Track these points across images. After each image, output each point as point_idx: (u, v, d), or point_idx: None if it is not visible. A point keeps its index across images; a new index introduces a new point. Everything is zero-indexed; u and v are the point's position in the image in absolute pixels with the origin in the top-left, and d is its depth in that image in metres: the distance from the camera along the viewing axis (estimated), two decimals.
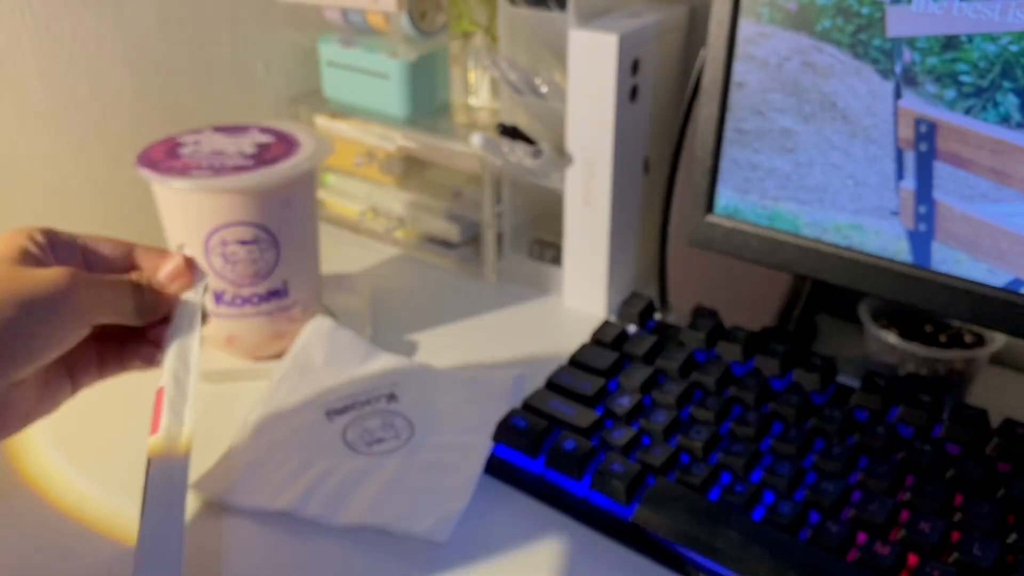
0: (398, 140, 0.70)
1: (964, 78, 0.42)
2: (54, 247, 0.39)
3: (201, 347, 0.42)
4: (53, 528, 0.46)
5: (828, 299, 0.63)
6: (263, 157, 0.54)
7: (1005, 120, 0.41)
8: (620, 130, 0.59)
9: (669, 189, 0.59)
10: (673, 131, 0.59)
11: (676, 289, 0.62)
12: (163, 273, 0.42)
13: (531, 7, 0.61)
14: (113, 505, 0.47)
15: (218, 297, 0.55)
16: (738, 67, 0.49)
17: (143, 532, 0.35)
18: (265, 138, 0.57)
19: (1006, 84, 0.41)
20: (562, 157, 0.62)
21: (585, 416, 0.50)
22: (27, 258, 0.37)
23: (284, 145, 0.56)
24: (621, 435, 0.48)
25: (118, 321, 0.40)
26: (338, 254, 0.73)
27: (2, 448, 0.51)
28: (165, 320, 0.42)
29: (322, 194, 0.78)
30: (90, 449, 0.51)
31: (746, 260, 0.52)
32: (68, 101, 0.61)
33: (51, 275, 0.37)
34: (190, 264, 0.43)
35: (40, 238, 0.39)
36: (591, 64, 0.57)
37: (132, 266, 0.42)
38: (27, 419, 0.39)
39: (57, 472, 0.49)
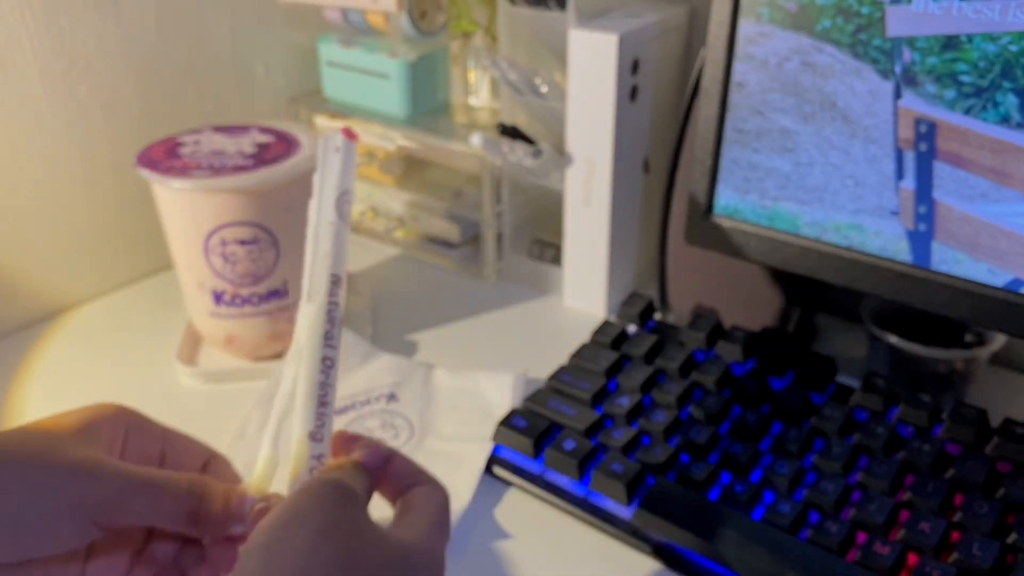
0: (398, 140, 0.70)
1: (964, 78, 0.42)
2: (130, 434, 0.34)
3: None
4: None
5: (828, 299, 0.63)
6: (263, 157, 0.54)
7: (1005, 120, 0.41)
8: (620, 130, 0.59)
9: (669, 189, 0.59)
10: (673, 131, 0.59)
11: (676, 289, 0.62)
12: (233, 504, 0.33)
13: (531, 7, 0.61)
14: None
15: (218, 297, 0.55)
16: (738, 67, 0.49)
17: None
18: (265, 138, 0.57)
19: (1006, 84, 0.41)
20: (562, 157, 0.61)
21: (585, 416, 0.50)
22: (89, 435, 0.32)
23: (284, 145, 0.56)
24: (621, 435, 0.48)
25: (167, 527, 0.32)
26: None
27: None
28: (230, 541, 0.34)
29: None
30: None
31: (746, 260, 0.52)
32: (68, 101, 0.61)
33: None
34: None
35: (119, 428, 0.33)
36: (591, 64, 0.57)
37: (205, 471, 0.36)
38: None
39: None
